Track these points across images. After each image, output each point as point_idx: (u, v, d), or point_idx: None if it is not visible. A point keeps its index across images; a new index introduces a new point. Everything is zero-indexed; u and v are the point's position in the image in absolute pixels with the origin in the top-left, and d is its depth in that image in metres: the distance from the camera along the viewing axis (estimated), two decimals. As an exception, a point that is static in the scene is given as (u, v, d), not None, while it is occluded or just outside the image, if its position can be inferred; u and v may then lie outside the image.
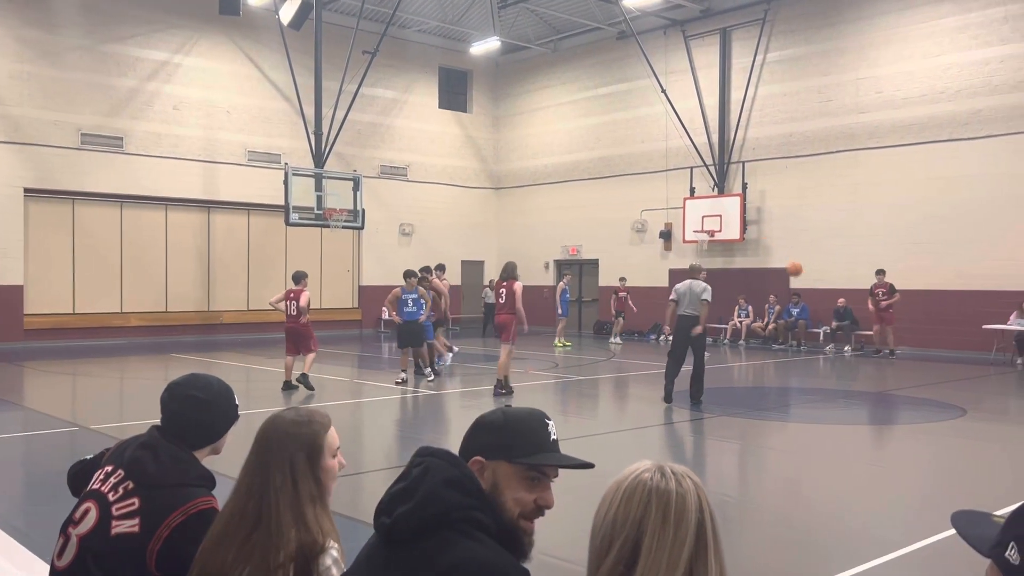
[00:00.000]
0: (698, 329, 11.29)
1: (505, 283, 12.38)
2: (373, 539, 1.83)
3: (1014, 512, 1.08)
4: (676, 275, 23.42)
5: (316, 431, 2.23)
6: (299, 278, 12.74)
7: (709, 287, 11.45)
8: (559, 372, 15.48)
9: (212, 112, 22.65)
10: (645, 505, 1.41)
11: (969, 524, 1.11)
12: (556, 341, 20.79)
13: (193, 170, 22.32)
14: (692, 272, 11.79)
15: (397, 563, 1.71)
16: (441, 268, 16.41)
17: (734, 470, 8.42)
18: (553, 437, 1.87)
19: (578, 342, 22.43)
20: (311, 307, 12.65)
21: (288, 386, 12.42)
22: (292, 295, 12.58)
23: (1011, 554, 1.04)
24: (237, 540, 2.10)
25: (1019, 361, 16.87)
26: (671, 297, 11.70)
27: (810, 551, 5.59)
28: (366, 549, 1.84)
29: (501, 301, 12.44)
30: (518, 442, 1.82)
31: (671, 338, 11.95)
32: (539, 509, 1.82)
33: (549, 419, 1.90)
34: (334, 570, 2.04)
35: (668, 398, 11.39)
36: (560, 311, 21.18)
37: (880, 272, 18.49)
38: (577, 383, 14.31)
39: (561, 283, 21.61)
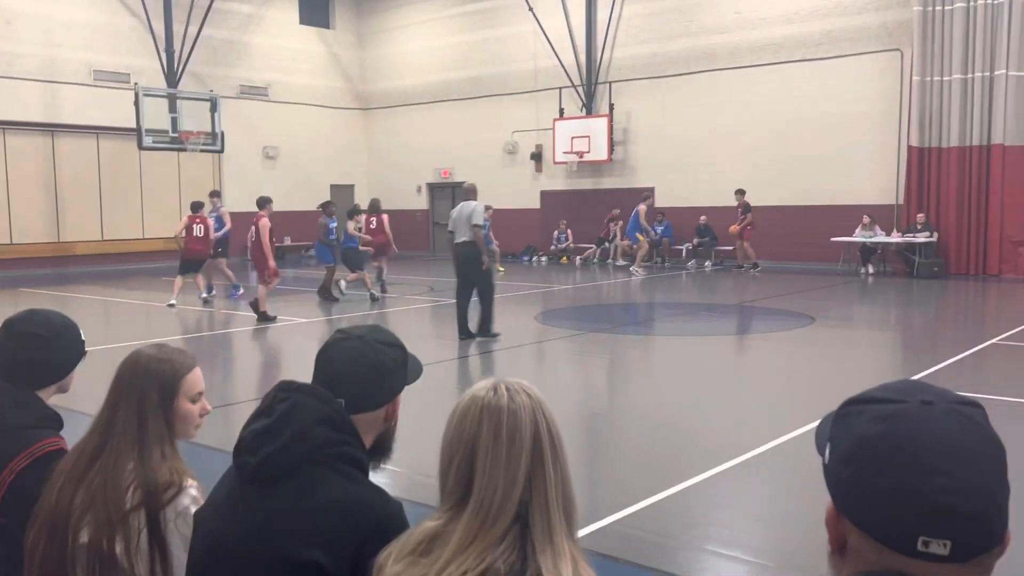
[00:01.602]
0: (484, 262, 10.08)
1: (375, 216, 14.41)
2: (230, 478, 1.76)
3: (835, 414, 1.10)
4: (547, 196, 23.69)
5: (175, 370, 2.14)
6: (261, 204, 12.83)
7: (481, 207, 10.23)
8: (434, 296, 15.48)
9: (51, 27, 20.83)
10: (477, 423, 1.41)
11: (824, 423, 1.15)
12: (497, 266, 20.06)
13: (32, 91, 20.59)
14: (467, 193, 10.50)
15: (263, 504, 1.65)
16: (215, 194, 15.97)
17: (602, 384, 8.72)
18: None
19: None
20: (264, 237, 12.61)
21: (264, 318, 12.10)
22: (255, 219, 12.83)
23: (825, 453, 1.09)
24: (75, 477, 2.01)
25: (862, 271, 18.06)
26: (448, 226, 10.47)
27: (673, 456, 5.89)
28: (224, 488, 1.77)
29: (372, 227, 14.36)
30: (412, 369, 1.93)
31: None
32: None
33: None
34: (193, 508, 1.97)
35: (462, 334, 10.26)
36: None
37: (739, 192, 19.13)
38: (452, 306, 14.36)
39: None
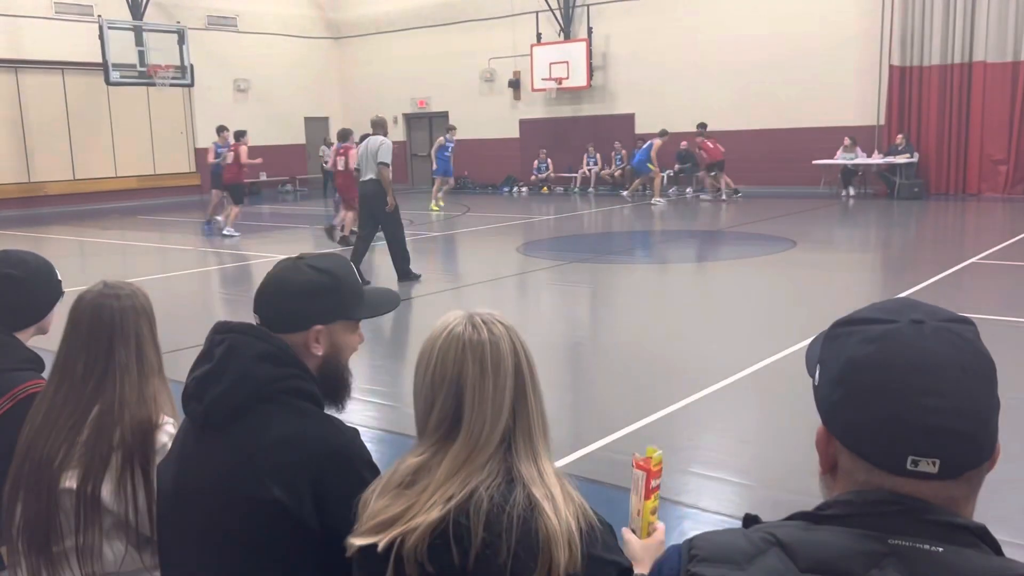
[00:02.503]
0: (390, 203, 9.42)
1: (343, 147, 13.13)
2: (186, 425, 1.75)
3: (825, 335, 1.10)
4: (526, 125, 23.40)
5: (147, 299, 2.14)
6: (345, 135, 13.41)
7: (388, 143, 9.60)
8: (415, 229, 15.36)
9: (6, -42, 20.07)
10: (461, 360, 1.41)
11: (814, 344, 1.15)
12: (432, 204, 18.75)
13: (-9, 26, 19.95)
14: (375, 127, 9.86)
15: (218, 447, 1.64)
16: (222, 129, 16.22)
17: (585, 312, 8.77)
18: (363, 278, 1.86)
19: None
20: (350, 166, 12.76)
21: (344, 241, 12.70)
22: (341, 151, 13.21)
23: (816, 375, 1.09)
24: (67, 427, 1.97)
25: (843, 193, 18.07)
26: (354, 164, 9.82)
27: (656, 381, 5.95)
28: (180, 436, 1.76)
29: (339, 168, 13.20)
30: (352, 299, 1.81)
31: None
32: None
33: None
34: (171, 445, 1.97)
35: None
36: (435, 167, 19.23)
37: (701, 125, 18.77)
38: (433, 240, 14.30)
39: (441, 138, 19.26)
